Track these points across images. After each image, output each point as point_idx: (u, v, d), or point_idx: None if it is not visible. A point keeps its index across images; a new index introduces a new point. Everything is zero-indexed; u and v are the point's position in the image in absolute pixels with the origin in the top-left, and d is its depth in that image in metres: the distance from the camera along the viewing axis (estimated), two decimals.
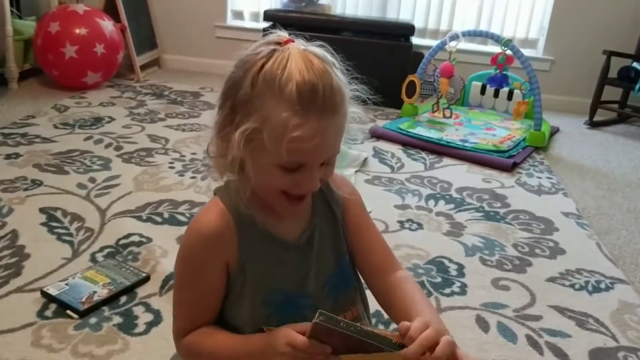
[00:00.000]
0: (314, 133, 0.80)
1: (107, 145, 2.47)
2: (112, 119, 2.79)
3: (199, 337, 0.95)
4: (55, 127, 2.64)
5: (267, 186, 0.86)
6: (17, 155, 2.29)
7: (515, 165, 2.59)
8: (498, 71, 3.07)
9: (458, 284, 1.65)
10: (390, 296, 0.95)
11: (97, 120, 2.76)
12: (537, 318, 1.53)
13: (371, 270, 1.00)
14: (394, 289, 0.95)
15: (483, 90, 3.31)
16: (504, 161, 2.58)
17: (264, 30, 3.43)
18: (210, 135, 0.88)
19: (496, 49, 3.12)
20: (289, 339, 0.82)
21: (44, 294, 1.45)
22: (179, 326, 0.97)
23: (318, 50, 0.83)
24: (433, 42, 3.43)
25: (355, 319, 1.00)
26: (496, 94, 3.28)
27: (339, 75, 0.84)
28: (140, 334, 1.35)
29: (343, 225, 1.00)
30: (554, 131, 3.22)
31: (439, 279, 1.67)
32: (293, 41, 0.83)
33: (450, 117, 3.06)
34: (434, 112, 3.13)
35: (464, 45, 3.35)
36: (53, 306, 1.42)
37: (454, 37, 3.03)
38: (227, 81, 0.85)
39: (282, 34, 0.85)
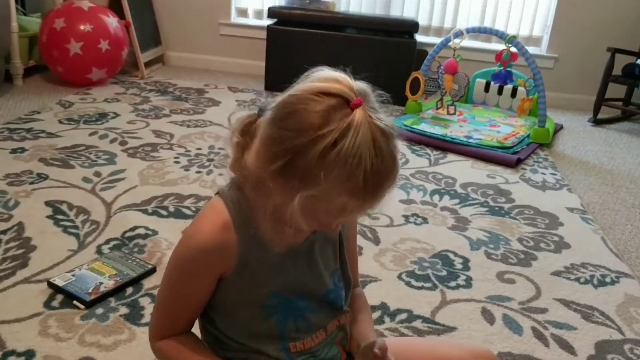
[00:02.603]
0: (364, 212, 0.85)
1: (112, 140, 2.47)
2: (116, 115, 2.80)
3: (173, 347, 0.96)
4: (60, 122, 2.65)
5: (289, 222, 0.83)
6: (23, 150, 2.30)
7: (519, 161, 2.59)
8: (502, 68, 3.07)
9: (463, 277, 1.65)
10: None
11: (102, 116, 2.76)
12: (543, 311, 1.53)
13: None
14: (352, 301, 1.06)
15: (487, 87, 3.31)
16: (508, 157, 2.58)
17: (268, 28, 3.44)
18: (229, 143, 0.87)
19: (500, 46, 3.12)
20: None
21: (51, 284, 1.46)
22: (155, 327, 0.98)
23: (384, 119, 0.79)
24: (437, 39, 3.43)
25: (343, 326, 1.02)
26: (500, 91, 3.28)
27: (398, 146, 0.82)
28: (146, 324, 1.35)
29: (343, 232, 1.01)
30: (558, 128, 3.22)
31: (444, 272, 1.67)
32: (361, 103, 0.77)
33: (455, 114, 3.06)
34: (438, 109, 3.13)
35: (468, 42, 3.35)
36: (60, 297, 1.43)
37: (458, 34, 3.03)
38: (281, 126, 0.79)
39: (349, 93, 0.78)
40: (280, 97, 0.83)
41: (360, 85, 0.82)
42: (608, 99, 3.41)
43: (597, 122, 3.43)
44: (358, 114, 0.76)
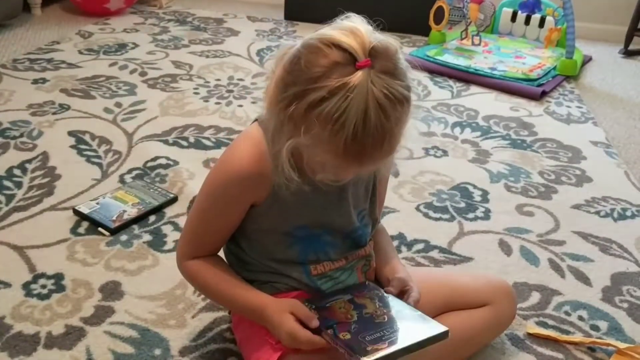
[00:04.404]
0: (350, 174, 0.86)
1: (132, 71, 2.46)
2: (136, 45, 2.77)
3: (202, 267, 0.98)
4: (80, 52, 2.64)
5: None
6: (44, 80, 2.30)
7: (544, 94, 2.53)
8: None
9: (482, 209, 1.66)
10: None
11: (121, 47, 2.74)
12: (561, 243, 1.53)
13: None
14: (375, 235, 1.09)
15: (514, 17, 3.19)
16: (532, 89, 2.52)
17: None
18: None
19: None
20: (292, 332, 0.88)
21: (77, 212, 1.50)
22: (184, 249, 1.01)
23: (392, 87, 0.76)
24: None
25: (368, 256, 1.05)
26: (527, 21, 3.15)
27: (403, 119, 0.79)
28: (169, 250, 1.39)
29: (377, 173, 1.01)
30: (587, 60, 3.11)
31: (462, 204, 1.67)
32: (369, 64, 0.75)
33: (480, 44, 2.97)
34: (462, 39, 3.04)
35: None
36: (85, 224, 1.47)
37: None
38: (290, 70, 0.79)
39: (359, 51, 0.75)
40: (305, 37, 0.82)
41: (384, 42, 0.78)
42: None
43: (628, 53, 3.31)
44: (358, 76, 0.74)
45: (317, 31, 0.81)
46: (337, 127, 0.75)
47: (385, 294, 0.97)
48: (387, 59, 0.78)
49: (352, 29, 0.79)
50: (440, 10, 3.01)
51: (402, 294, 0.97)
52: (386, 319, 0.91)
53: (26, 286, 1.25)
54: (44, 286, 1.25)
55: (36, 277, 1.28)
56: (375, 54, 0.77)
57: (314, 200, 0.94)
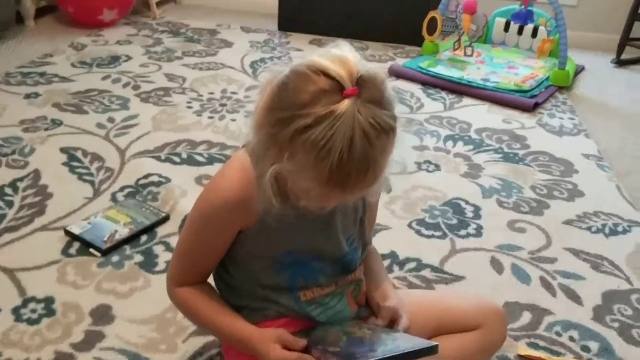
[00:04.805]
0: (334, 202, 0.86)
1: (125, 85, 2.46)
2: (129, 58, 2.77)
3: (191, 294, 0.99)
4: (73, 65, 2.64)
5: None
6: (37, 95, 2.30)
7: (537, 105, 2.54)
8: (523, 7, 2.96)
9: (474, 225, 1.66)
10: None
11: (114, 59, 2.74)
12: (552, 260, 1.54)
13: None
14: (366, 257, 1.09)
15: (507, 27, 3.20)
16: (525, 101, 2.53)
17: None
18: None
19: None
20: (281, 357, 0.88)
21: (68, 232, 1.50)
22: (174, 275, 1.01)
23: (379, 115, 0.76)
24: None
25: (359, 280, 1.04)
26: (520, 31, 3.16)
27: (388, 148, 0.79)
28: (161, 271, 1.39)
29: (366, 198, 1.01)
30: (579, 70, 3.13)
31: (454, 221, 1.68)
32: (356, 93, 0.75)
33: (472, 55, 2.98)
34: (455, 49, 3.04)
35: None
36: (77, 244, 1.47)
37: None
38: (278, 96, 0.79)
39: (346, 80, 0.75)
40: (294, 62, 0.82)
41: (371, 71, 0.78)
42: (633, 38, 3.29)
43: (620, 62, 3.32)
44: (344, 104, 0.74)
45: (306, 58, 0.81)
46: (323, 154, 0.75)
47: (375, 327, 0.97)
48: (374, 88, 0.78)
49: (341, 57, 0.79)
50: (433, 21, 3.02)
51: (392, 323, 0.97)
52: (375, 340, 0.91)
53: (16, 311, 1.25)
54: (33, 310, 1.25)
55: (26, 301, 1.27)
56: (363, 83, 0.77)
57: (301, 227, 0.94)
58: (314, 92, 0.76)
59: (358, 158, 0.75)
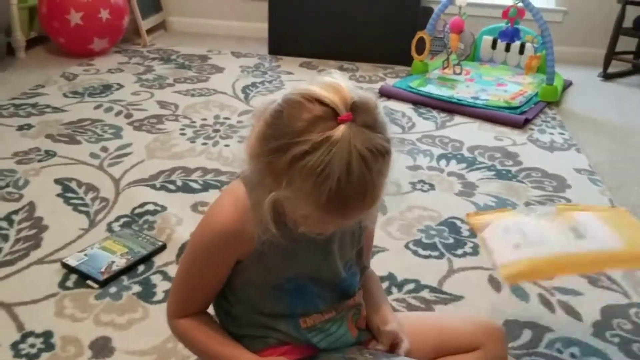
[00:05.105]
0: (333, 227, 0.86)
1: (118, 113, 2.47)
2: (120, 86, 2.79)
3: (191, 325, 0.98)
4: (65, 96, 2.64)
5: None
6: (30, 126, 2.30)
7: (527, 121, 2.56)
8: (509, 25, 3.01)
9: (470, 244, 1.67)
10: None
11: (106, 88, 2.75)
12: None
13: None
14: (364, 281, 1.08)
15: (494, 45, 3.25)
16: (515, 118, 2.55)
17: None
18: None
19: (507, 1, 3.04)
20: None
21: (64, 265, 1.49)
22: (173, 307, 1.01)
23: (373, 141, 0.77)
24: None
25: (358, 305, 1.04)
26: (507, 48, 3.21)
27: (384, 171, 0.80)
28: (159, 301, 1.38)
29: (362, 222, 1.01)
30: (567, 85, 3.17)
31: (451, 240, 1.68)
32: (350, 118, 0.76)
33: (461, 73, 3.02)
34: (444, 68, 3.08)
35: None
36: (74, 277, 1.46)
37: None
38: (272, 124, 0.80)
39: (340, 106, 0.76)
40: (286, 91, 0.83)
41: (364, 97, 0.79)
42: (619, 52, 3.35)
43: (607, 76, 3.37)
44: (340, 130, 0.75)
45: (298, 87, 0.82)
46: (320, 180, 0.76)
47: (376, 352, 0.97)
48: (367, 113, 0.79)
49: (333, 85, 0.80)
50: (421, 41, 3.06)
51: (392, 347, 0.97)
52: None
53: (15, 346, 1.24)
54: (32, 345, 1.24)
55: (25, 336, 1.26)
56: (356, 108, 0.78)
57: (299, 254, 0.94)
58: (309, 120, 0.77)
59: (356, 182, 0.76)
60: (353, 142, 0.76)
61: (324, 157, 0.75)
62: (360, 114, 0.78)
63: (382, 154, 0.79)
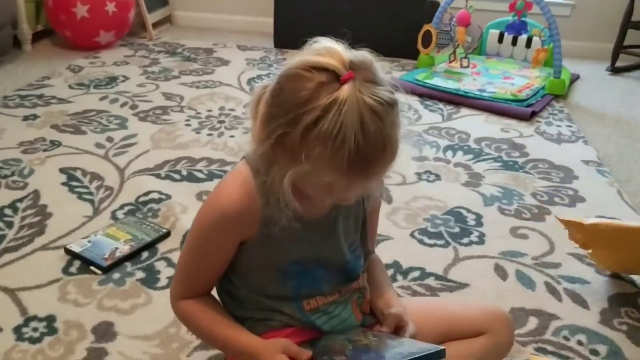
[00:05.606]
0: (359, 190, 0.85)
1: (123, 105, 2.47)
2: (126, 78, 2.78)
3: (195, 307, 0.97)
4: (71, 87, 2.65)
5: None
6: (35, 117, 2.30)
7: (534, 114, 2.55)
8: (516, 18, 2.99)
9: (476, 233, 1.65)
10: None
11: (112, 80, 2.75)
12: (556, 265, 1.53)
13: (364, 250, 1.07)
14: (369, 266, 1.08)
15: (501, 38, 3.23)
16: (522, 110, 2.54)
17: None
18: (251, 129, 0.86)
19: None
20: None
21: (68, 251, 1.48)
22: (177, 288, 1.00)
23: (380, 94, 0.77)
24: None
25: (362, 289, 1.03)
26: (514, 42, 3.19)
27: (397, 122, 0.79)
28: (162, 287, 1.38)
29: (366, 203, 1.01)
30: (574, 78, 3.15)
31: (457, 229, 1.67)
32: (352, 76, 0.76)
33: (468, 66, 3.00)
34: (450, 62, 3.07)
35: None
36: (77, 263, 1.46)
37: None
38: (275, 103, 0.80)
39: (340, 67, 0.76)
40: (280, 70, 0.82)
41: (359, 55, 0.79)
42: (627, 46, 3.32)
43: (615, 70, 3.34)
44: (345, 89, 0.75)
45: (290, 62, 0.82)
46: (338, 142, 0.75)
47: (381, 334, 0.96)
48: (366, 69, 0.79)
49: (327, 49, 0.80)
50: (427, 34, 3.05)
51: (397, 330, 0.96)
52: (382, 347, 0.90)
53: (17, 330, 1.23)
54: (35, 329, 1.23)
55: (28, 320, 1.26)
56: (355, 66, 0.78)
57: (304, 236, 0.94)
58: (313, 87, 0.76)
59: (372, 137, 0.76)
60: (360, 98, 0.75)
61: (337, 118, 0.74)
62: (360, 71, 0.78)
63: (390, 105, 0.78)
